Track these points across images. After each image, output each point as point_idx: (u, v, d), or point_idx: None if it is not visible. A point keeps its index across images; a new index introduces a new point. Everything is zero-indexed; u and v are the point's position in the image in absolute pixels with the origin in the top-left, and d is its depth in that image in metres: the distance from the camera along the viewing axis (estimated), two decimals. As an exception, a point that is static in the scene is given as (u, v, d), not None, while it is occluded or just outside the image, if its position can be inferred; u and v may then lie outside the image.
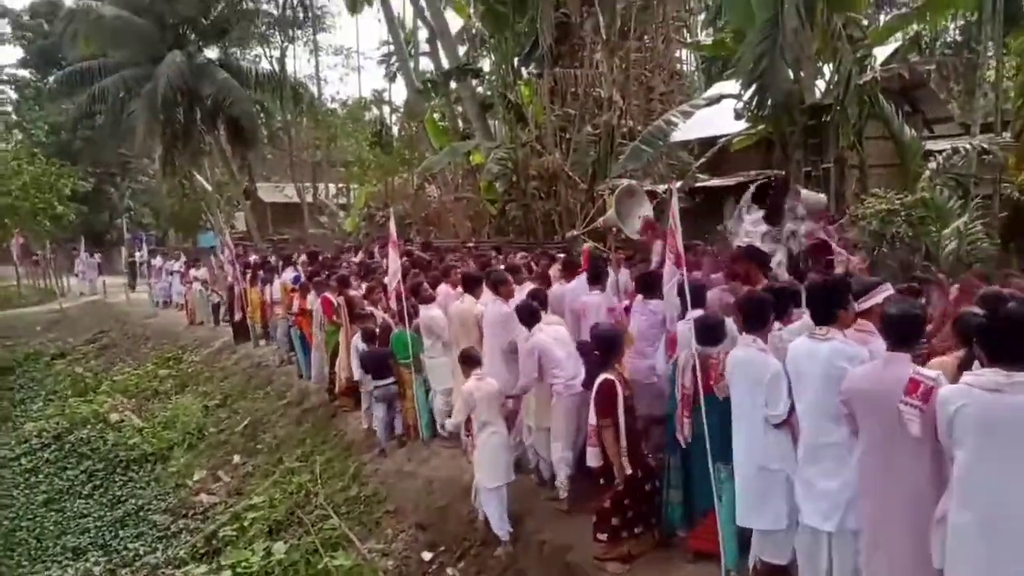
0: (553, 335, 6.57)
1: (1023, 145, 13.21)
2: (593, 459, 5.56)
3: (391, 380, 8.82)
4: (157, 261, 25.52)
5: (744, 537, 5.07)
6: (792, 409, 4.62)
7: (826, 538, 4.34)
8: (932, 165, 11.87)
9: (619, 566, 5.52)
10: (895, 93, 13.90)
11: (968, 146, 11.60)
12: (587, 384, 5.88)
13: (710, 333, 5.30)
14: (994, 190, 13.28)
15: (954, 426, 3.47)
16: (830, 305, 4.46)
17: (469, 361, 6.67)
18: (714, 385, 5.19)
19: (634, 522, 5.53)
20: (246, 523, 8.85)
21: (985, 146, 11.65)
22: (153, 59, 27.33)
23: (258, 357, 14.84)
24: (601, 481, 5.58)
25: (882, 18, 25.10)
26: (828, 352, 4.24)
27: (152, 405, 14.82)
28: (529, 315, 6.63)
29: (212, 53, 30.99)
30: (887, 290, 4.98)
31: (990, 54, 16.06)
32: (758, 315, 4.97)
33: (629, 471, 5.42)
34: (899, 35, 15.58)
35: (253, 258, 17.67)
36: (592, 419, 5.50)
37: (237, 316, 16.06)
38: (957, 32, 29.13)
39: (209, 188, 33.07)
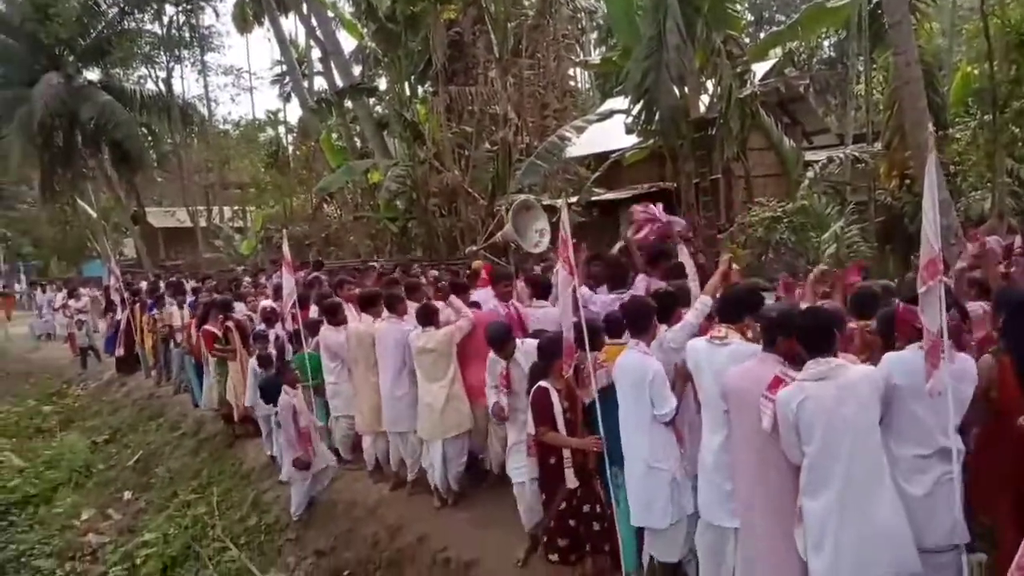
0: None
1: (893, 154, 14.04)
2: (531, 471, 5.53)
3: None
4: (38, 293, 24.18)
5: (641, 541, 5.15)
6: (677, 410, 4.76)
7: (732, 535, 4.45)
8: (811, 174, 12.52)
9: None
10: (775, 106, 14.63)
11: (842, 155, 12.29)
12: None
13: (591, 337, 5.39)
14: (869, 197, 14.10)
15: (800, 423, 3.71)
16: (741, 310, 4.59)
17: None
18: (580, 389, 5.28)
19: (583, 543, 5.36)
20: (138, 561, 8.45)
21: (857, 155, 12.40)
22: (28, 81, 26.07)
23: (148, 388, 14.23)
24: (543, 496, 5.46)
25: (761, 36, 26.37)
26: (727, 355, 4.35)
27: (34, 443, 13.95)
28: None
29: (93, 74, 29.77)
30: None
31: (859, 69, 17.08)
32: (641, 319, 5.08)
33: (573, 484, 5.26)
34: (776, 51, 16.38)
35: (142, 284, 16.96)
36: (530, 428, 5.41)
37: (119, 352, 15.38)
38: (831, 49, 30.89)
39: (94, 214, 31.62)
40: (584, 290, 6.71)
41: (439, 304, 7.22)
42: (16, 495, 11.52)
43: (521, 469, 5.81)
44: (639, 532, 5.12)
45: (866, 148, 12.77)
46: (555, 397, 5.33)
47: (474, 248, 13.08)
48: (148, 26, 31.73)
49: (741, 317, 4.56)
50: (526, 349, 6.01)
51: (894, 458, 3.80)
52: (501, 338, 5.99)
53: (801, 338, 3.88)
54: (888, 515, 3.65)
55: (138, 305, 14.57)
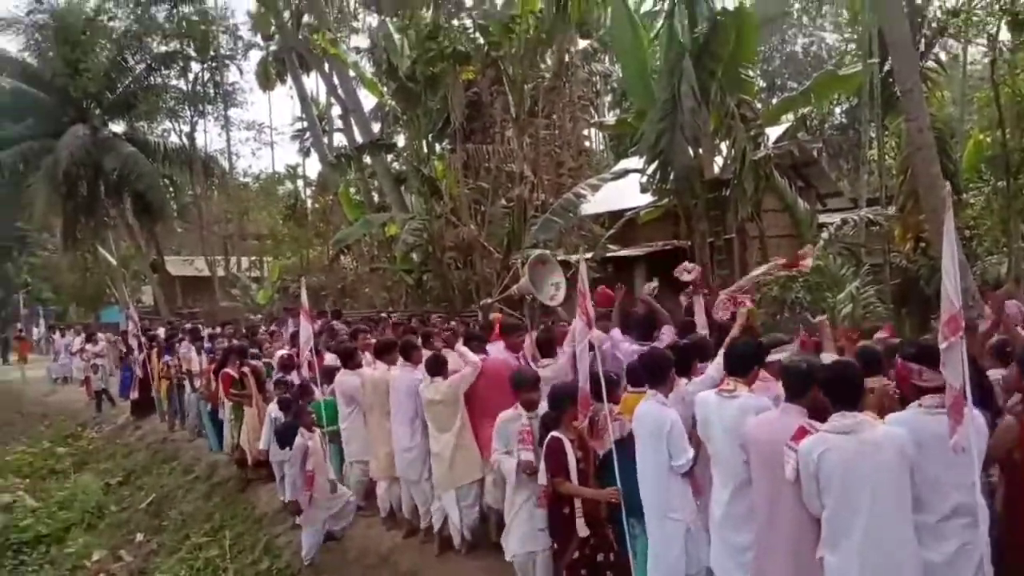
0: None
1: (907, 217, 14.20)
2: (540, 521, 5.49)
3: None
4: (57, 337, 24.43)
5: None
6: (695, 461, 4.82)
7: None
8: (825, 235, 12.66)
9: None
10: (788, 169, 14.87)
11: (856, 217, 12.44)
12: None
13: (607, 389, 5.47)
14: (884, 259, 14.21)
15: (820, 473, 3.73)
16: (749, 362, 4.67)
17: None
18: (593, 440, 5.34)
19: None
20: (149, 603, 8.44)
21: (871, 217, 12.54)
22: (54, 132, 26.70)
23: (162, 432, 14.31)
24: (554, 545, 5.43)
25: (773, 102, 26.85)
26: (737, 408, 4.40)
27: (48, 484, 14.00)
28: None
29: (118, 127, 30.47)
30: (788, 349, 5.30)
31: (872, 135, 17.38)
32: (659, 371, 5.15)
33: (584, 533, 5.25)
34: (789, 117, 16.70)
35: (160, 331, 17.18)
36: (542, 479, 5.37)
37: (134, 395, 15.54)
38: (843, 116, 31.39)
39: (114, 262, 32.08)
40: (616, 332, 6.84)
41: (448, 353, 7.27)
42: (28, 534, 11.55)
43: (535, 537, 5.60)
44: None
45: (880, 211, 12.93)
46: (568, 447, 5.33)
47: (489, 301, 13.22)
48: (174, 81, 32.47)
49: (749, 370, 4.64)
50: None
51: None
52: (527, 383, 5.85)
53: (827, 390, 3.90)
54: None
55: (155, 350, 14.76)
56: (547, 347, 6.92)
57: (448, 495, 6.93)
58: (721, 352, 5.12)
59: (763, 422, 4.23)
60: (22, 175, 26.89)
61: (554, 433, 5.46)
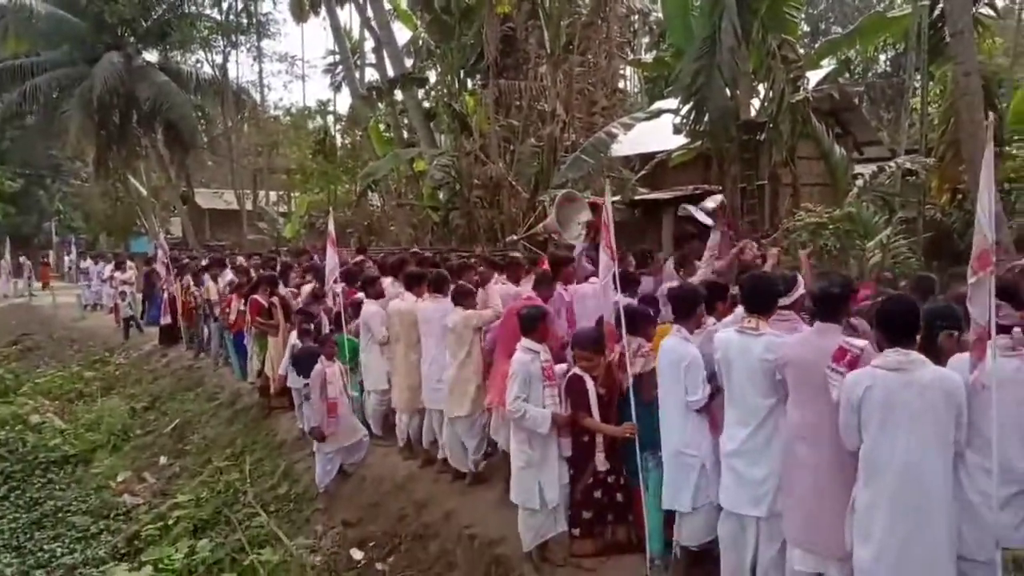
0: None
1: (945, 168, 13.75)
2: (565, 449, 5.51)
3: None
4: (89, 264, 24.77)
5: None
6: (712, 397, 4.76)
7: (754, 524, 4.43)
8: (859, 183, 12.31)
9: (594, 560, 5.42)
10: (826, 114, 14.43)
11: (893, 165, 12.06)
12: None
13: (632, 321, 5.41)
14: (918, 212, 13.81)
15: (862, 408, 3.65)
16: (771, 298, 4.57)
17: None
18: (620, 373, 5.32)
19: (606, 514, 5.48)
20: (170, 522, 8.60)
21: (909, 166, 12.14)
22: (89, 59, 26.73)
23: (188, 360, 14.51)
24: (571, 471, 5.51)
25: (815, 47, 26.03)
26: (762, 346, 4.32)
27: (76, 407, 14.30)
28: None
29: (151, 56, 30.42)
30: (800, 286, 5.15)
31: (916, 82, 16.77)
32: (686, 306, 5.11)
33: (604, 467, 5.40)
34: (831, 62, 16.19)
35: (186, 260, 17.31)
36: (564, 412, 5.46)
37: (165, 320, 15.75)
38: (887, 64, 30.40)
39: (144, 192, 32.33)
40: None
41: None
42: (56, 454, 11.83)
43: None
44: (668, 517, 5.14)
45: (918, 159, 12.51)
46: (589, 384, 5.43)
47: (514, 238, 13.09)
48: (207, 11, 32.26)
49: (771, 308, 4.55)
50: None
51: (967, 463, 3.67)
52: (538, 320, 5.66)
53: (881, 326, 3.79)
54: (940, 526, 3.55)
55: (180, 279, 14.93)
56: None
57: (453, 423, 6.99)
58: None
59: (800, 343, 4.18)
60: (56, 102, 26.96)
61: (574, 371, 5.48)
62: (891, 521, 3.59)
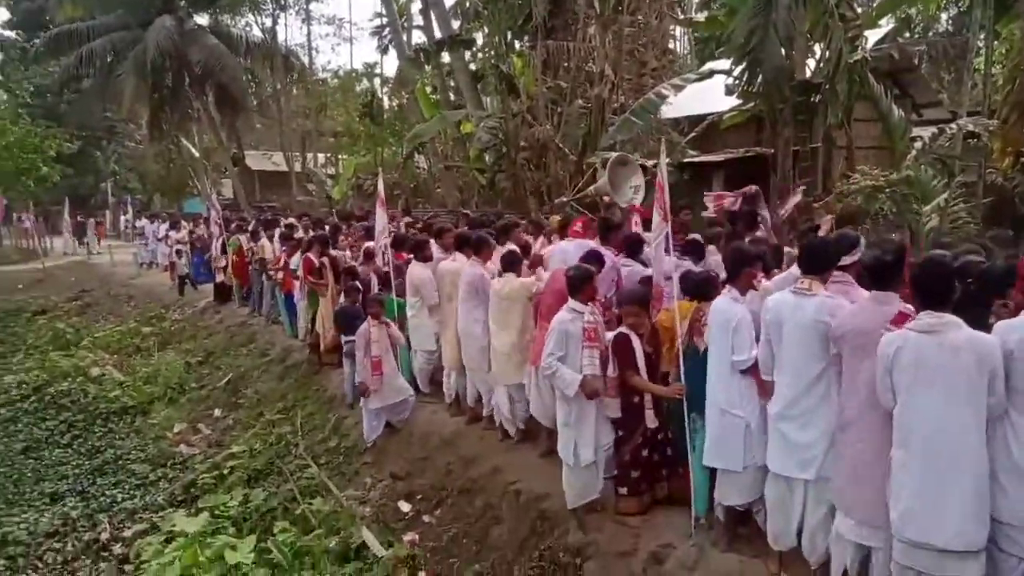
0: None
1: (1009, 130, 13.33)
2: (613, 410, 5.52)
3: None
4: (146, 223, 25.37)
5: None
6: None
7: (802, 486, 4.42)
8: (918, 146, 11.98)
9: (639, 519, 5.49)
10: (884, 75, 13.99)
11: (954, 127, 11.70)
12: None
13: (696, 287, 5.39)
14: (979, 175, 13.42)
15: (893, 368, 3.64)
16: (828, 260, 4.52)
17: None
18: (696, 338, 5.27)
19: (654, 472, 5.55)
20: (225, 472, 8.89)
21: (971, 128, 11.77)
22: (142, 23, 27.14)
23: (241, 316, 14.84)
24: (619, 432, 5.54)
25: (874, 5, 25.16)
26: (815, 307, 4.28)
27: (133, 361, 14.74)
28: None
29: (202, 19, 30.84)
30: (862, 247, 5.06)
31: (980, 42, 16.16)
32: (736, 266, 5.07)
33: (653, 424, 5.44)
34: (891, 19, 15.64)
35: (237, 222, 17.59)
36: (611, 371, 5.47)
37: (220, 277, 16.08)
38: (949, 23, 29.26)
39: (196, 154, 32.87)
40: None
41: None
42: (115, 405, 12.24)
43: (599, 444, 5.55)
44: (711, 478, 5.15)
45: (981, 120, 12.10)
46: (636, 342, 5.44)
47: (563, 199, 13.04)
48: (257, -26, 32.43)
49: (825, 269, 4.49)
50: None
51: (1015, 426, 3.56)
52: (587, 280, 5.64)
53: (916, 288, 3.75)
54: (968, 487, 3.50)
55: (231, 239, 15.21)
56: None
57: (501, 389, 7.10)
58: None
59: (857, 311, 4.14)
60: (111, 65, 27.44)
61: (620, 330, 5.49)
62: (921, 483, 3.58)
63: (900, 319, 3.80)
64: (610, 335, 5.60)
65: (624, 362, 5.43)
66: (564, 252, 7.37)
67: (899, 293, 4.05)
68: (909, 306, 3.88)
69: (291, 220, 15.48)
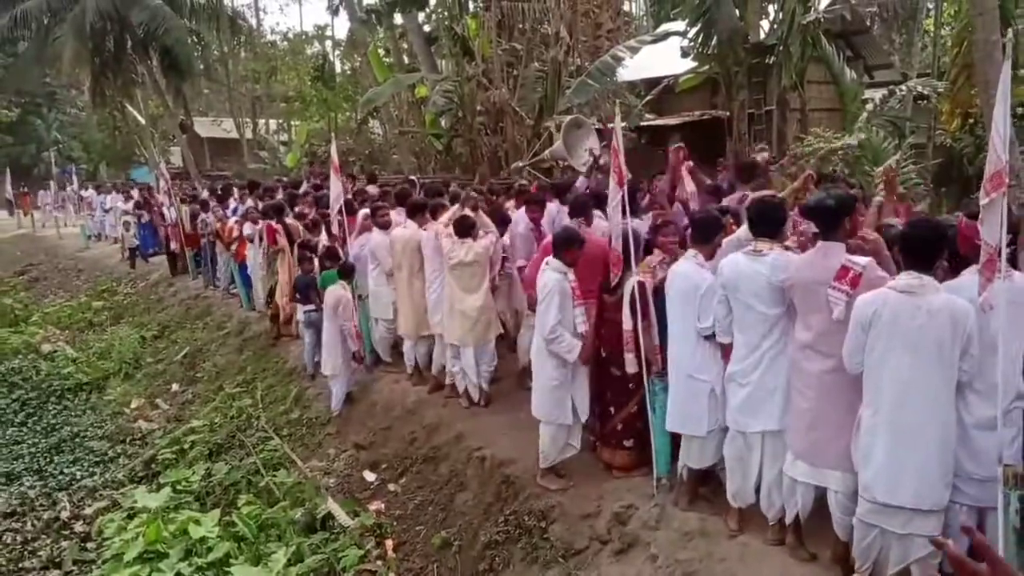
0: None
1: (957, 92, 13.55)
2: (632, 365, 5.34)
3: (315, 307, 8.79)
4: (92, 194, 24.66)
5: (676, 448, 5.26)
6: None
7: (758, 441, 4.51)
8: (869, 108, 12.15)
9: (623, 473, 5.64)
10: (837, 36, 14.13)
11: (904, 89, 11.88)
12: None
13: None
14: (928, 137, 13.69)
15: (871, 328, 3.69)
16: (778, 223, 4.54)
17: None
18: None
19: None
20: (186, 447, 8.79)
21: (920, 89, 11.97)
22: (79, -18, 26.01)
23: (195, 289, 14.59)
24: (631, 386, 5.50)
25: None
26: (769, 267, 4.33)
27: (86, 336, 14.44)
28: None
29: (143, -22, 29.54)
30: None
31: (930, 3, 16.38)
32: (705, 232, 5.07)
33: (634, 369, 5.33)
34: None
35: (194, 191, 17.22)
36: (627, 324, 5.26)
37: (174, 247, 15.76)
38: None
39: (142, 120, 31.90)
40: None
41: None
42: (69, 382, 11.99)
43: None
44: (674, 440, 5.24)
45: (930, 82, 12.30)
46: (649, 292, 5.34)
47: (520, 164, 12.99)
48: (200, -70, 31.20)
49: (776, 230, 4.51)
50: None
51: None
52: (577, 241, 5.62)
53: (903, 248, 3.81)
54: (935, 449, 3.61)
55: (186, 208, 14.86)
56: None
57: (468, 351, 7.14)
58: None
59: (805, 263, 4.19)
60: (48, 27, 26.35)
61: (639, 278, 5.37)
62: (891, 445, 3.67)
63: (842, 272, 3.87)
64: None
65: (644, 312, 5.24)
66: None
67: (843, 244, 4.10)
68: (855, 258, 3.94)
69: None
